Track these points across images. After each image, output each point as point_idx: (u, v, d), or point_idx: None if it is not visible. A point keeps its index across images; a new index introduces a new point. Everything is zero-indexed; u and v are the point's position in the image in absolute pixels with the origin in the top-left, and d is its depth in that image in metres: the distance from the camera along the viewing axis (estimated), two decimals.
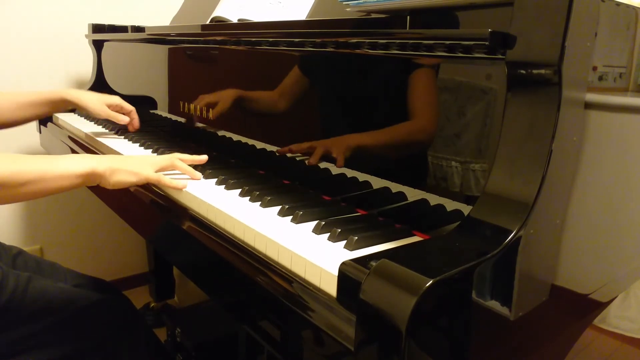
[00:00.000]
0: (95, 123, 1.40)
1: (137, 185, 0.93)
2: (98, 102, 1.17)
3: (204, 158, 0.89)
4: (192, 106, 1.12)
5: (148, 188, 0.91)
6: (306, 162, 0.82)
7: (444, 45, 0.59)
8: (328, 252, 0.58)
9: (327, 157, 0.78)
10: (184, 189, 0.81)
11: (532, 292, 0.54)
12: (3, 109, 1.10)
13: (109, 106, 1.18)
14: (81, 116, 1.50)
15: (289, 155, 0.86)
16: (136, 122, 1.23)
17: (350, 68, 0.76)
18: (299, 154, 0.84)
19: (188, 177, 0.86)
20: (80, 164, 0.76)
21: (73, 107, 1.20)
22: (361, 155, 0.74)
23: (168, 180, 0.82)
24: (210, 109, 1.05)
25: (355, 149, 0.75)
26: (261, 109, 0.94)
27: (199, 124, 1.11)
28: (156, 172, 0.83)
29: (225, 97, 1.02)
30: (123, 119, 1.19)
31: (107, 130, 1.30)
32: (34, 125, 1.55)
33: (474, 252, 0.47)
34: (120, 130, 1.27)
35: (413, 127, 0.67)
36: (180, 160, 0.86)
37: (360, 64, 0.74)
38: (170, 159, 0.86)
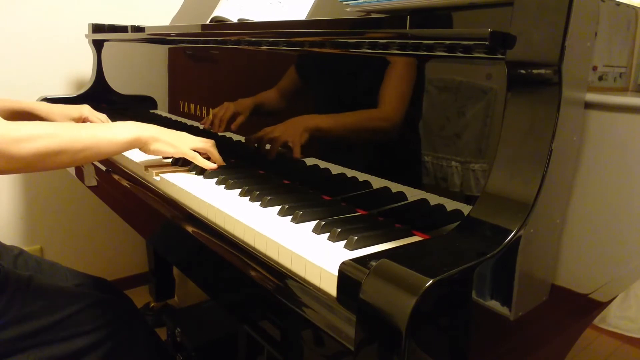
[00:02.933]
0: None
1: (134, 184, 0.93)
2: (63, 115, 1.16)
3: (222, 163, 0.94)
4: (192, 106, 1.12)
5: (148, 187, 0.91)
6: (305, 161, 0.82)
7: (444, 45, 0.59)
8: (328, 251, 0.58)
9: (328, 156, 0.78)
10: (184, 189, 0.81)
11: (532, 292, 0.54)
12: None
13: (77, 119, 1.17)
14: None
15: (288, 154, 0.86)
16: None
17: (350, 68, 0.76)
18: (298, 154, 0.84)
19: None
20: (128, 131, 0.84)
21: (38, 120, 1.16)
22: (361, 155, 0.74)
23: (202, 159, 0.90)
24: (211, 110, 1.05)
25: (355, 148, 0.75)
26: (263, 110, 0.94)
27: (199, 124, 1.11)
28: (190, 150, 0.90)
29: (228, 103, 1.02)
30: None
31: None
32: None
33: (474, 252, 0.47)
34: None
35: (413, 126, 0.67)
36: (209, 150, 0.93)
37: (360, 64, 0.74)
38: (206, 144, 0.92)
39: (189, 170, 0.92)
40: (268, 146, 0.90)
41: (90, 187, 1.25)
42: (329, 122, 0.79)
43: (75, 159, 0.78)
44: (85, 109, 1.19)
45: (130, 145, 0.85)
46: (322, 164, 0.80)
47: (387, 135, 0.70)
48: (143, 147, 0.87)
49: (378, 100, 0.71)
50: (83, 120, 1.18)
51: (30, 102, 1.18)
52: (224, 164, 0.93)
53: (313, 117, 0.82)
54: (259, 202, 0.74)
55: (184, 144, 0.90)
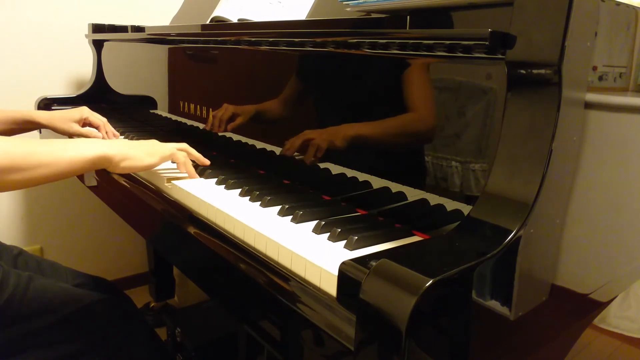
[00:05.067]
0: None
1: (134, 184, 0.93)
2: (64, 120, 1.16)
3: (207, 162, 0.91)
4: (192, 106, 1.12)
5: (148, 187, 0.91)
6: (307, 161, 0.82)
7: (443, 45, 0.59)
8: (328, 251, 0.58)
9: (328, 155, 0.78)
10: (184, 189, 0.81)
11: (532, 291, 0.54)
12: None
13: (78, 122, 1.17)
14: None
15: (288, 154, 0.86)
16: (110, 134, 1.20)
17: (350, 68, 0.76)
18: (298, 153, 0.84)
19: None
20: (91, 148, 0.77)
21: (40, 128, 1.18)
22: (362, 154, 0.74)
23: (191, 168, 0.87)
24: (211, 110, 1.05)
25: (354, 147, 0.75)
26: (263, 110, 0.94)
27: (199, 124, 1.11)
28: (164, 160, 0.86)
29: (227, 104, 1.02)
30: (95, 135, 1.18)
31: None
32: None
33: (474, 251, 0.47)
34: (121, 130, 1.27)
35: (413, 126, 0.67)
36: (187, 152, 0.89)
37: (360, 64, 0.74)
38: (178, 151, 0.87)
39: None
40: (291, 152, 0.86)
41: (90, 187, 1.25)
42: (369, 130, 0.75)
43: (30, 177, 0.70)
44: (85, 111, 1.19)
45: (95, 164, 0.77)
46: (322, 164, 0.79)
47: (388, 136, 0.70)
48: (111, 165, 0.80)
49: (380, 101, 0.71)
50: (84, 121, 1.19)
51: (29, 110, 1.19)
52: (208, 162, 0.90)
53: (346, 127, 0.78)
54: (259, 202, 0.74)
55: (153, 158, 0.84)
